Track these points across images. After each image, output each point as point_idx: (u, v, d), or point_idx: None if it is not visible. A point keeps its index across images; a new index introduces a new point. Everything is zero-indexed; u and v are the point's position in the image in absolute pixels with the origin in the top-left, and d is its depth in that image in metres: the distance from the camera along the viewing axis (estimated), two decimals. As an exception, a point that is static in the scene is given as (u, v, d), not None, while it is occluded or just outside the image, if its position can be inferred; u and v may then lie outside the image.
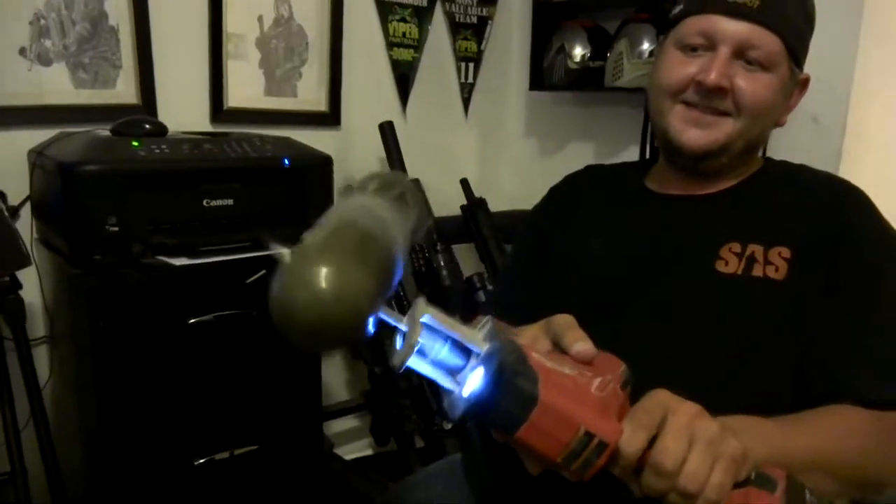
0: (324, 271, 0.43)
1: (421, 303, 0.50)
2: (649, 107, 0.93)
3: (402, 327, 0.50)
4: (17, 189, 1.46)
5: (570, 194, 1.03)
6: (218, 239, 1.37)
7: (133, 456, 1.32)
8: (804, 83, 0.89)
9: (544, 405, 0.49)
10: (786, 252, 0.78)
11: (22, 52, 1.49)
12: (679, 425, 0.51)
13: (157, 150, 1.31)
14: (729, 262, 0.80)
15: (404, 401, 1.83)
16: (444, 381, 0.51)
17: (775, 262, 0.78)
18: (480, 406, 0.49)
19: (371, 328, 0.47)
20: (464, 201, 2.08)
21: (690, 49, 0.85)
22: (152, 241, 1.30)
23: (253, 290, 1.32)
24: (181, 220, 1.34)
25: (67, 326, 1.44)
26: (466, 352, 0.51)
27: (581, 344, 0.55)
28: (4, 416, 1.25)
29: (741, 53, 0.82)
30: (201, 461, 1.36)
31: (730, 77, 0.82)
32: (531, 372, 0.50)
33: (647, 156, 1.85)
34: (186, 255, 1.30)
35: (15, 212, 1.49)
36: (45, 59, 1.52)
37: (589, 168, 1.06)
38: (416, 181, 1.88)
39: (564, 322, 0.58)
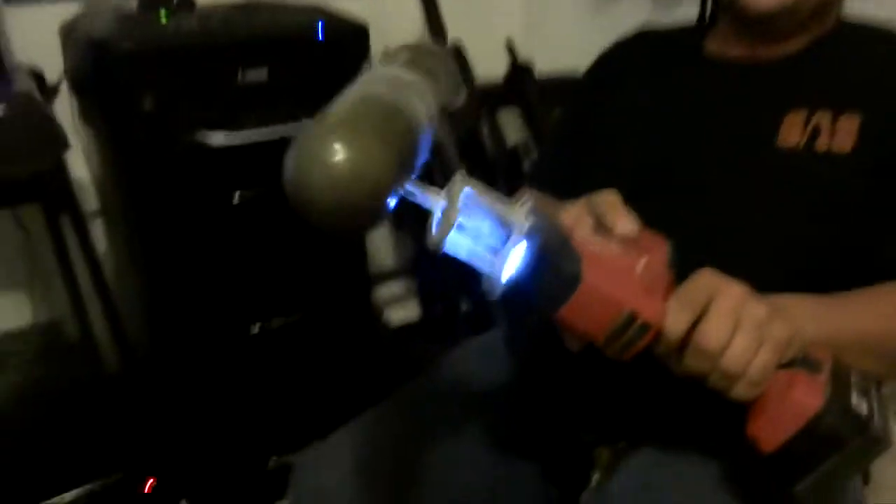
0: (338, 145, 0.40)
1: (460, 177, 0.48)
2: None
3: (439, 204, 0.48)
4: (54, 64, 1.44)
5: (620, 62, 0.96)
6: (255, 114, 1.34)
7: (191, 325, 1.39)
8: None
9: (587, 285, 0.49)
10: (856, 118, 0.72)
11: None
12: (725, 306, 0.51)
13: (187, 25, 1.26)
14: (791, 135, 0.74)
15: (450, 265, 1.85)
16: (483, 260, 0.49)
17: (842, 132, 0.72)
18: (520, 286, 0.48)
19: (392, 204, 0.45)
20: (508, 65, 1.98)
21: None
22: (190, 118, 1.28)
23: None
24: (216, 96, 1.31)
25: (115, 202, 1.47)
26: (506, 229, 0.49)
27: (625, 222, 0.54)
28: (69, 291, 1.32)
29: None
30: (255, 331, 1.43)
31: None
32: (573, 251, 0.50)
33: (709, 10, 1.71)
34: (225, 133, 1.29)
35: (54, 90, 1.48)
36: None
37: (641, 33, 0.98)
38: (457, 47, 1.80)
39: (608, 199, 0.57)
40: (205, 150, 1.26)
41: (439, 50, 0.62)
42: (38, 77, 1.43)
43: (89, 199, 1.59)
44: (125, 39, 1.20)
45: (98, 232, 1.61)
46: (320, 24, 1.39)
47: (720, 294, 0.51)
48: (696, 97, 0.84)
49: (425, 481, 0.78)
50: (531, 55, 1.98)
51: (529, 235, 0.48)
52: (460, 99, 0.65)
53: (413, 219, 1.87)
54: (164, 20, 1.26)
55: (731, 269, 0.54)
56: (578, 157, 0.93)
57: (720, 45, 0.86)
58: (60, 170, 1.16)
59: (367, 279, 1.76)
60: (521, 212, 0.49)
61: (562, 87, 2.07)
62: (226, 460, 1.49)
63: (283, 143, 1.27)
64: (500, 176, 1.83)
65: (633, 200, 0.56)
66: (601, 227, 0.56)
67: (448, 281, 1.87)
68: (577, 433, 0.80)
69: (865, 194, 0.71)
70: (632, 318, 0.49)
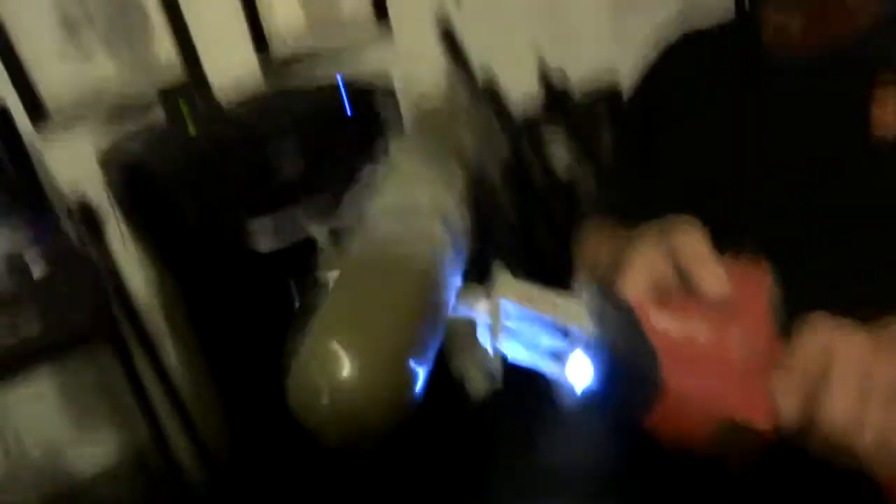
0: (338, 366, 0.33)
1: (501, 280, 0.41)
2: None
3: (484, 319, 0.41)
4: (98, 186, 1.45)
5: (669, 76, 0.86)
6: (298, 205, 1.32)
7: (272, 429, 1.36)
8: None
9: (671, 395, 0.40)
10: None
11: (60, 52, 1.44)
12: (848, 373, 0.40)
13: (215, 128, 1.24)
14: (887, 110, 0.62)
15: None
16: (547, 366, 0.42)
17: None
18: (592, 398, 0.41)
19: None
20: (543, 85, 1.90)
21: None
22: (238, 225, 1.27)
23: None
24: (257, 195, 1.29)
25: (180, 319, 1.47)
26: (564, 335, 0.42)
27: (713, 281, 0.44)
28: (147, 421, 1.30)
29: None
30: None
31: None
32: (650, 351, 0.41)
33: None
34: (273, 236, 1.27)
35: (103, 219, 1.50)
36: (85, 54, 1.46)
37: (686, 38, 0.87)
38: (488, 82, 1.72)
39: (689, 246, 0.46)
40: (255, 256, 1.24)
41: (456, 108, 0.55)
42: (86, 208, 1.45)
43: (156, 320, 1.59)
44: (157, 161, 1.19)
45: (168, 349, 1.61)
46: (345, 97, 1.35)
47: (838, 356, 0.41)
48: (764, 109, 0.73)
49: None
50: (562, 62, 1.90)
51: (592, 342, 0.41)
52: (499, 151, 0.58)
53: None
54: (191, 130, 1.25)
55: (840, 291, 0.45)
56: (642, 189, 0.85)
57: (778, 34, 0.72)
58: (110, 317, 1.13)
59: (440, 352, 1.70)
60: (582, 311, 0.41)
61: (601, 95, 1.99)
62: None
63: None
64: (556, 206, 1.75)
65: (713, 224, 0.47)
66: (682, 277, 0.46)
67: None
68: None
69: None
70: (732, 424, 0.41)
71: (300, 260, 1.24)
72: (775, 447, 0.42)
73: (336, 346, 0.34)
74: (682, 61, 0.86)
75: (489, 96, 1.71)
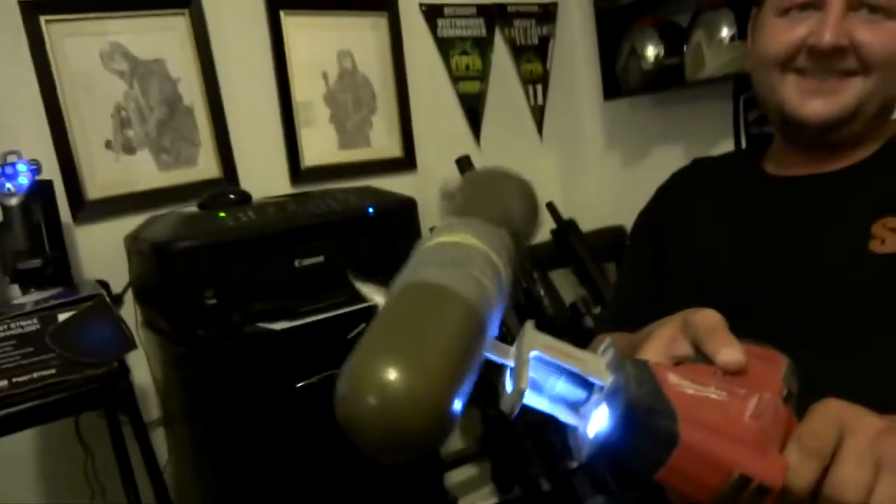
0: (385, 370, 0.33)
1: (529, 332, 0.42)
2: (756, 87, 0.83)
3: (510, 364, 0.42)
4: (119, 276, 1.50)
5: (682, 189, 0.93)
6: (313, 298, 1.34)
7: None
8: None
9: (686, 446, 0.41)
10: None
11: (108, 144, 1.54)
12: (860, 446, 0.42)
13: (244, 218, 1.31)
14: (886, 240, 0.68)
15: (524, 442, 1.73)
16: (566, 416, 0.43)
17: None
18: (609, 448, 0.41)
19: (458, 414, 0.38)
20: (553, 226, 2.00)
21: (796, 9, 0.74)
22: (250, 308, 1.29)
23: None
24: (275, 283, 1.33)
25: (179, 405, 1.44)
26: (587, 388, 0.43)
27: (728, 352, 0.45)
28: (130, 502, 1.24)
29: (857, 3, 0.71)
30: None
31: (847, 33, 0.70)
32: (667, 406, 0.42)
33: (744, 146, 1.73)
34: (285, 319, 1.28)
35: (119, 299, 1.52)
36: (129, 149, 1.57)
37: (696, 161, 0.96)
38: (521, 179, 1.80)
39: (706, 322, 0.48)
40: (267, 337, 1.25)
41: (506, 173, 0.58)
42: (104, 288, 1.48)
43: (150, 409, 1.56)
44: (185, 238, 1.23)
45: (158, 443, 1.56)
46: (370, 204, 1.43)
47: (852, 431, 0.43)
48: (770, 217, 0.79)
49: None
50: (572, 214, 2.01)
51: (612, 393, 0.42)
52: (537, 224, 0.61)
53: (479, 393, 1.79)
54: (222, 215, 1.30)
55: (842, 387, 0.46)
56: (654, 292, 0.88)
57: (780, 166, 0.82)
58: (121, 377, 1.13)
59: (438, 464, 1.65)
60: (602, 363, 0.43)
61: (607, 240, 2.08)
62: None
63: (342, 321, 1.23)
64: (564, 335, 1.76)
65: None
66: (700, 353, 0.48)
67: (524, 460, 1.74)
68: None
69: None
70: (745, 479, 0.41)
71: (308, 346, 1.27)
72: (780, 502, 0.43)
73: (387, 352, 0.35)
74: (687, 180, 0.94)
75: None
